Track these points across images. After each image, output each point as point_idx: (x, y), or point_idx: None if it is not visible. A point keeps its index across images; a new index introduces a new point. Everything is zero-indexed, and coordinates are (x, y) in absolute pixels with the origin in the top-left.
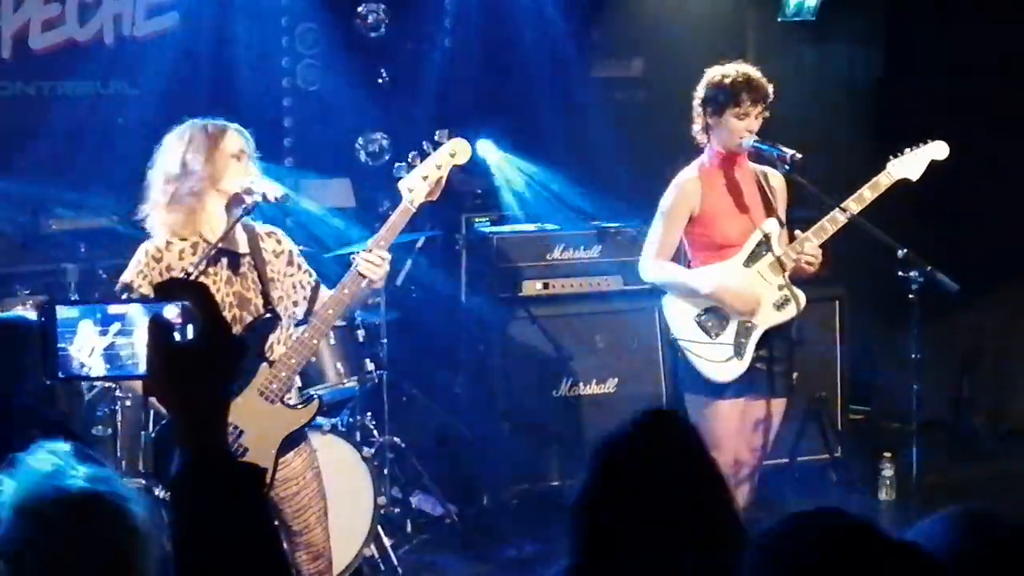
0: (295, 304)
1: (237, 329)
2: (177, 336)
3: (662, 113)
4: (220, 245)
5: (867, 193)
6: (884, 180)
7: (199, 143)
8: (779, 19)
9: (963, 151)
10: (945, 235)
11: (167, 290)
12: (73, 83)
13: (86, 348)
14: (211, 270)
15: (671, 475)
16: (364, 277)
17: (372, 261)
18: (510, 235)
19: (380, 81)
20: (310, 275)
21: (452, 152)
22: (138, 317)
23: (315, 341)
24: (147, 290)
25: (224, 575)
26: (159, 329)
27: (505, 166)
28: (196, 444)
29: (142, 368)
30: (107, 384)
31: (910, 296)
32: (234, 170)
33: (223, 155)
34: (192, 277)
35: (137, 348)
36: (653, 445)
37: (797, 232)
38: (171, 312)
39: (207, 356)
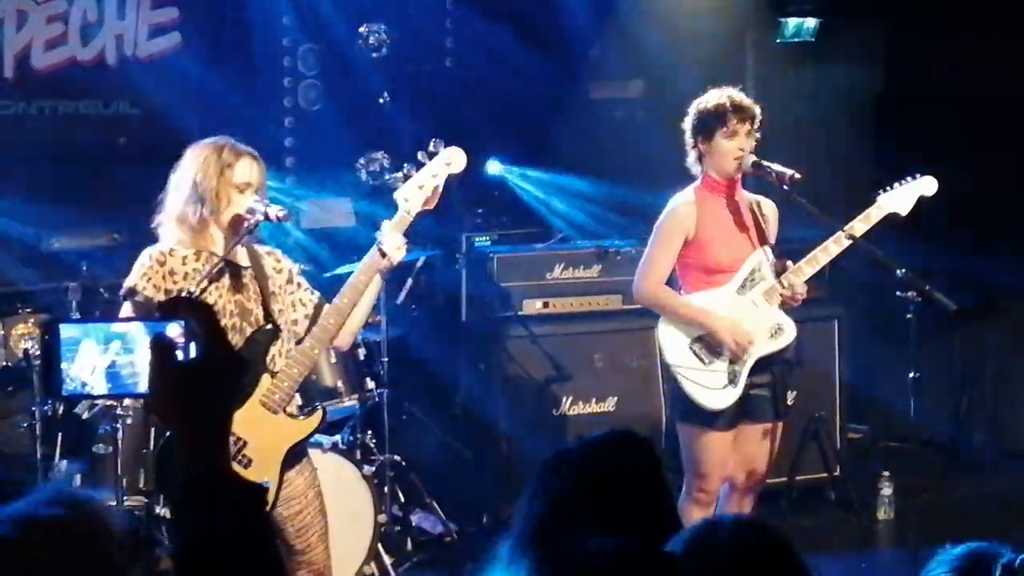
0: (295, 323)
1: (237, 338)
2: (179, 355)
3: (661, 134)
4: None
5: (859, 226)
6: (875, 214)
7: (210, 168)
8: (778, 40)
9: (962, 168)
10: (943, 254)
11: (170, 308)
12: (75, 102)
13: (88, 366)
14: (214, 280)
15: (619, 490)
16: (384, 256)
17: (393, 240)
18: (510, 254)
19: (381, 101)
20: (312, 293)
21: (448, 161)
22: (139, 335)
23: (316, 351)
24: (151, 293)
25: None
26: (161, 348)
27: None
28: (199, 463)
29: (143, 386)
30: (109, 402)
31: (908, 315)
32: (235, 203)
33: (227, 186)
34: (197, 286)
35: (138, 366)
36: (605, 459)
37: (789, 263)
38: (173, 331)
39: (209, 374)
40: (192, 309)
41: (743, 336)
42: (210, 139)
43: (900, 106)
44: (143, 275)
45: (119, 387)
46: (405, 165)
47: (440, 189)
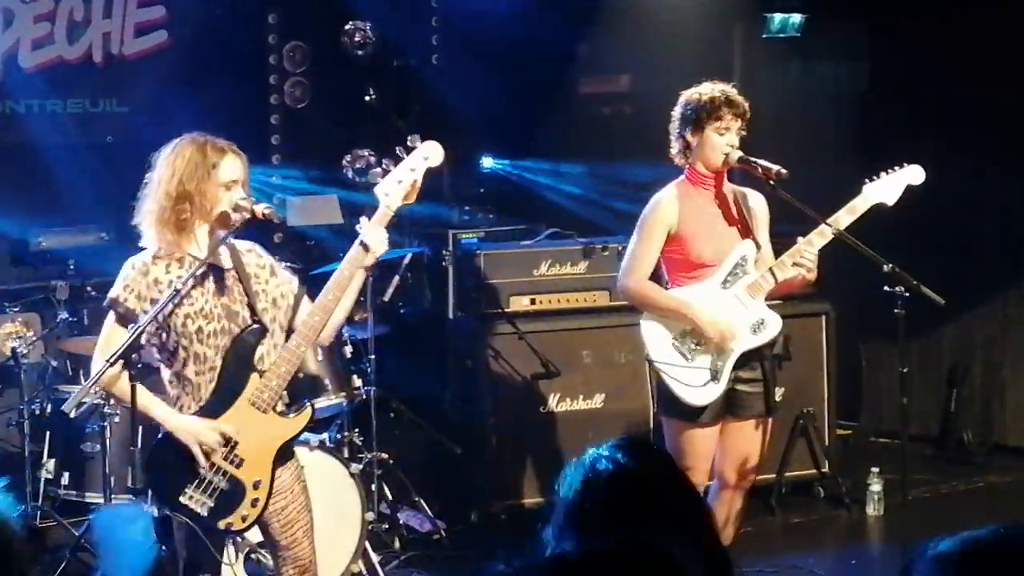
0: (278, 314)
1: (225, 340)
2: None
3: (648, 128)
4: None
5: (844, 217)
6: (860, 204)
7: (194, 168)
8: (764, 35)
9: (948, 165)
10: (930, 249)
11: None
12: (63, 101)
13: None
14: (199, 284)
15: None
16: (367, 251)
17: (376, 233)
18: (497, 251)
19: (367, 99)
20: (291, 282)
21: (425, 155)
22: None
23: (302, 348)
24: (133, 304)
25: None
26: None
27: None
28: None
29: None
30: (97, 400)
31: (896, 311)
32: (223, 200)
33: (214, 185)
34: (181, 291)
35: None
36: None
37: (799, 238)
38: None
39: None
40: None
41: (726, 329)
42: (187, 137)
43: (886, 100)
44: (125, 286)
45: None
46: (384, 161)
47: (419, 183)
